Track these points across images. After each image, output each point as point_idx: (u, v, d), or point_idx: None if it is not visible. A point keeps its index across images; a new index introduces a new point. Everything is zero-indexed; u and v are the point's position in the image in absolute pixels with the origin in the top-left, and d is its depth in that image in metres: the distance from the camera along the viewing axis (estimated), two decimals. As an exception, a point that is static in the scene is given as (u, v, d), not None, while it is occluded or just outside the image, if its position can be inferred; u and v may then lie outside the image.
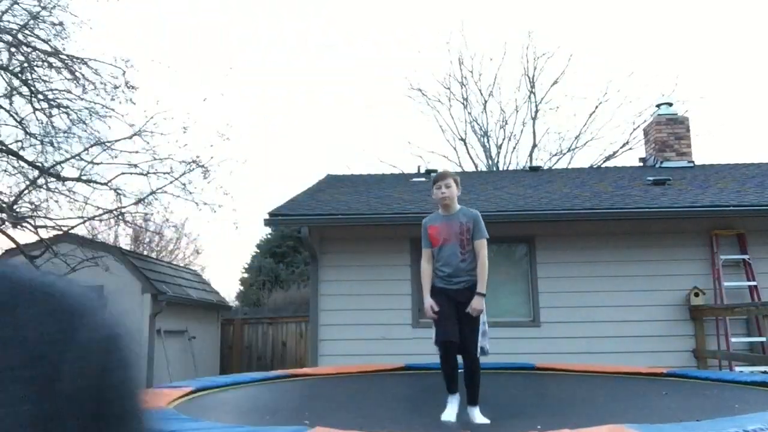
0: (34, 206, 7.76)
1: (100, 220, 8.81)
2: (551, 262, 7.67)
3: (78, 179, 7.90)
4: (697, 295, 7.31)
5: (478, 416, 3.21)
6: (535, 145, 19.25)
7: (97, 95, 7.94)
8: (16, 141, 7.99)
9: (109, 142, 8.09)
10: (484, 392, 3.35)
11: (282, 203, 8.12)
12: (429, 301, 3.44)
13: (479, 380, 3.30)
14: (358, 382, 5.04)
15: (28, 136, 8.03)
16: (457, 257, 3.40)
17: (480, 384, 3.29)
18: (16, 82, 7.87)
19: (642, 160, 11.06)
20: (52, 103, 7.92)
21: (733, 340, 7.18)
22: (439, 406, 3.17)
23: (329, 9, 30.14)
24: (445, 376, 3.32)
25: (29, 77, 7.85)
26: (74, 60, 7.78)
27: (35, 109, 7.95)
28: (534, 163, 18.25)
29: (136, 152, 8.14)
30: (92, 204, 8.01)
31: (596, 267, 7.64)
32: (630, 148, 18.19)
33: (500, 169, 18.50)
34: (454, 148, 20.20)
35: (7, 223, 7.32)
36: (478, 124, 19.68)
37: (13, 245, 7.85)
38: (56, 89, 7.96)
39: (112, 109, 8.08)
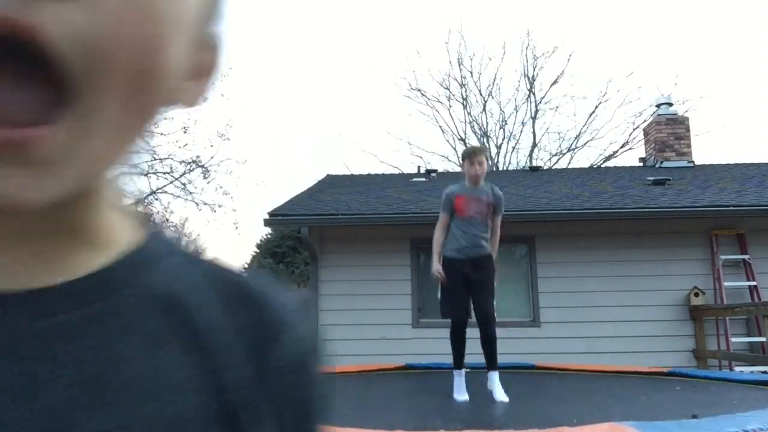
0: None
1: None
2: (551, 262, 7.67)
3: (77, 179, 7.91)
4: (697, 295, 7.31)
5: (498, 389, 3.36)
6: (535, 145, 19.26)
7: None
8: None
9: (108, 141, 8.10)
10: (485, 392, 3.36)
11: (282, 203, 8.12)
12: (437, 267, 3.63)
13: (496, 344, 3.48)
14: (358, 382, 5.03)
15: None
16: (479, 231, 3.57)
17: (497, 349, 3.51)
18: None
19: (642, 160, 11.06)
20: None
21: (733, 340, 7.18)
22: (439, 406, 3.16)
23: (329, 8, 30.18)
24: (454, 352, 3.53)
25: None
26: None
27: (35, 109, 7.96)
28: (534, 163, 18.25)
29: (136, 152, 8.14)
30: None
31: (596, 267, 7.63)
32: (630, 148, 18.21)
33: (500, 169, 18.51)
34: (454, 148, 20.16)
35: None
36: (478, 124, 19.69)
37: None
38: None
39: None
